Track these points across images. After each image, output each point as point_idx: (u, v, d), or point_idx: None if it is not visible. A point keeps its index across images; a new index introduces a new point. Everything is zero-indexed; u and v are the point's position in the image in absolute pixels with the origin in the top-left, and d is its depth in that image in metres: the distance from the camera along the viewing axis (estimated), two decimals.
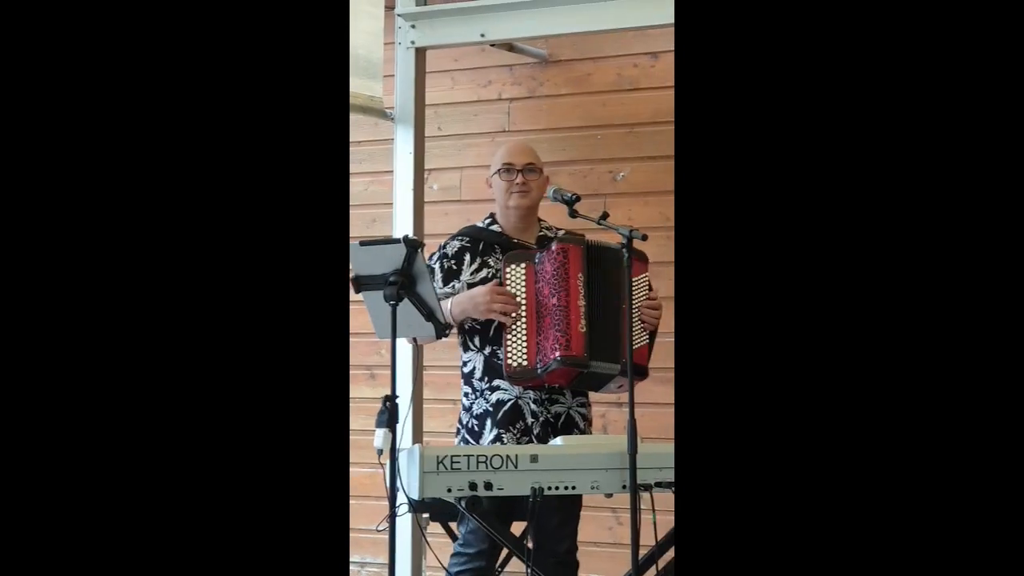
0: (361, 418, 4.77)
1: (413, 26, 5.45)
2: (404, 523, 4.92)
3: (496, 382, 4.28)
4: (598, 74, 5.75)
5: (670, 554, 4.03)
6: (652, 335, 4.36)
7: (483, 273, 4.33)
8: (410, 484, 3.79)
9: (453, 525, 4.24)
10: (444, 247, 4.40)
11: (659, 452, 3.94)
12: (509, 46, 5.73)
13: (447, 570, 4.25)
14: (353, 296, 3.61)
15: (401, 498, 3.78)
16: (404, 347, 4.96)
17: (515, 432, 4.25)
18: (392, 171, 5.50)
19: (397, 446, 3.75)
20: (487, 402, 4.29)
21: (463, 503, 3.80)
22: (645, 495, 3.86)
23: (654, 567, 3.97)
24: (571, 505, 4.31)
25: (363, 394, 5.83)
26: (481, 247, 4.37)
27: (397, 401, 3.78)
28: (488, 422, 4.28)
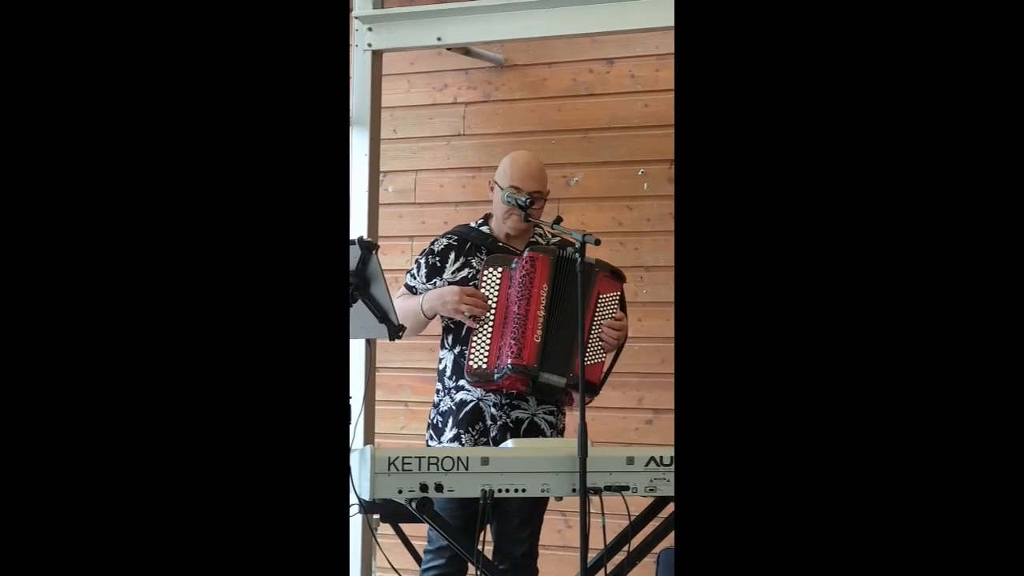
0: None
1: (370, 29, 5.46)
2: (355, 524, 4.93)
3: (461, 382, 4.32)
4: (553, 79, 5.78)
5: (619, 557, 4.05)
6: (617, 353, 4.39)
7: (464, 273, 4.36)
8: (361, 485, 3.80)
9: (403, 527, 4.25)
10: (432, 244, 4.44)
11: (609, 456, 3.96)
12: (465, 50, 5.75)
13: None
14: None
15: (352, 499, 3.78)
16: (356, 348, 4.97)
17: (473, 433, 4.29)
18: None
19: (349, 447, 3.76)
20: (452, 400, 4.34)
21: (413, 504, 3.82)
22: (595, 498, 3.88)
23: (603, 570, 3.99)
24: (531, 509, 4.33)
25: None
26: (467, 247, 4.40)
27: (349, 402, 3.78)
28: (450, 420, 4.32)
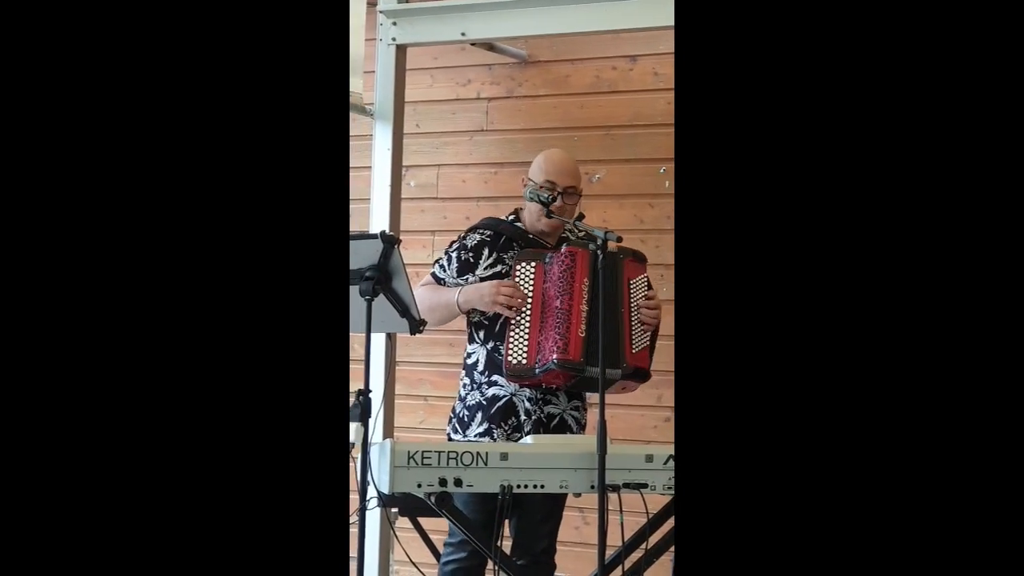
0: None
1: (394, 23, 5.46)
2: (373, 517, 4.94)
3: (495, 377, 4.31)
4: (576, 76, 5.78)
5: (636, 555, 4.05)
6: (654, 336, 4.40)
7: (497, 268, 4.35)
8: (380, 478, 3.81)
9: (422, 520, 4.26)
10: (464, 238, 4.42)
11: (628, 453, 3.97)
12: (489, 45, 5.76)
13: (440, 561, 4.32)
14: None
15: (371, 492, 3.79)
16: (377, 342, 4.98)
17: (506, 428, 4.29)
18: (370, 167, 5.52)
19: (369, 440, 3.77)
20: (482, 395, 4.32)
21: (432, 498, 3.82)
22: (613, 496, 3.88)
23: (620, 568, 3.99)
24: (553, 505, 4.34)
25: None
26: (501, 242, 4.39)
27: (370, 396, 3.79)
28: (479, 415, 4.31)
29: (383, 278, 3.90)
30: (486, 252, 4.37)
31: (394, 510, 4.21)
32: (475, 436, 4.30)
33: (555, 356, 4.15)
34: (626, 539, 3.91)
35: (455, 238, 4.45)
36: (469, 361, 4.39)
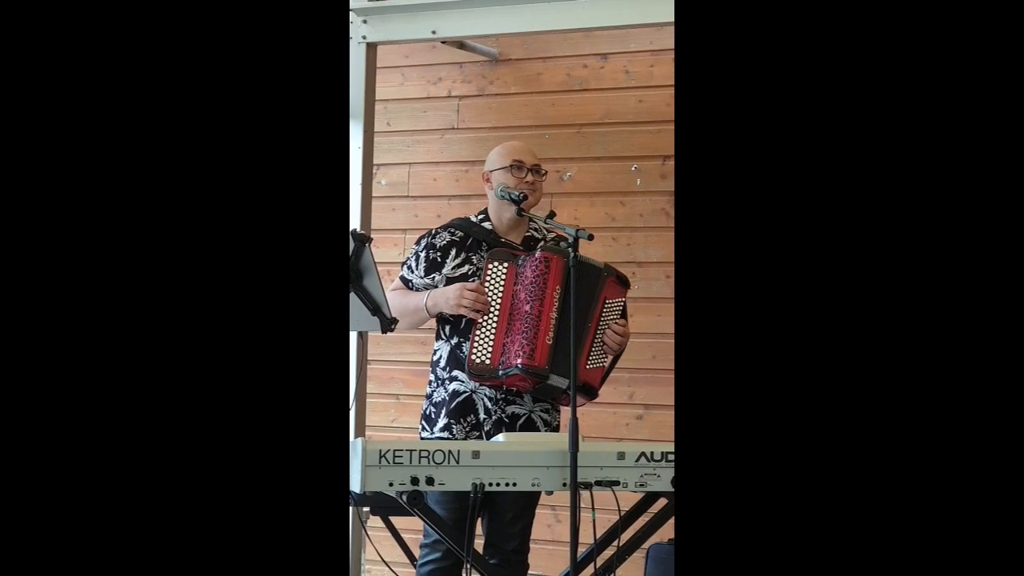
0: None
1: (365, 21, 5.45)
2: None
3: (455, 373, 4.32)
4: (548, 74, 5.78)
5: (608, 552, 4.06)
6: (614, 360, 4.40)
7: (464, 269, 4.35)
8: (352, 477, 3.80)
9: (394, 519, 4.26)
10: (433, 236, 4.41)
11: (600, 451, 3.96)
12: (460, 44, 5.75)
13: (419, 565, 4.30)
14: None
15: None
16: (348, 341, 4.97)
17: (464, 425, 4.29)
18: None
19: (349, 439, 3.76)
20: (445, 391, 4.34)
21: (404, 497, 3.82)
22: (585, 493, 3.89)
23: (592, 565, 4.00)
24: (525, 504, 4.34)
25: None
26: (469, 243, 4.39)
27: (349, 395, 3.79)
28: (443, 411, 4.32)
29: (354, 277, 3.90)
30: (453, 252, 4.37)
31: (366, 509, 4.20)
32: (439, 432, 4.30)
33: (520, 361, 4.17)
34: (598, 536, 3.91)
35: (423, 235, 4.44)
36: (434, 358, 4.40)
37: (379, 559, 4.37)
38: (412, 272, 4.39)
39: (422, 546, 4.31)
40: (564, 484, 3.89)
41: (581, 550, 3.91)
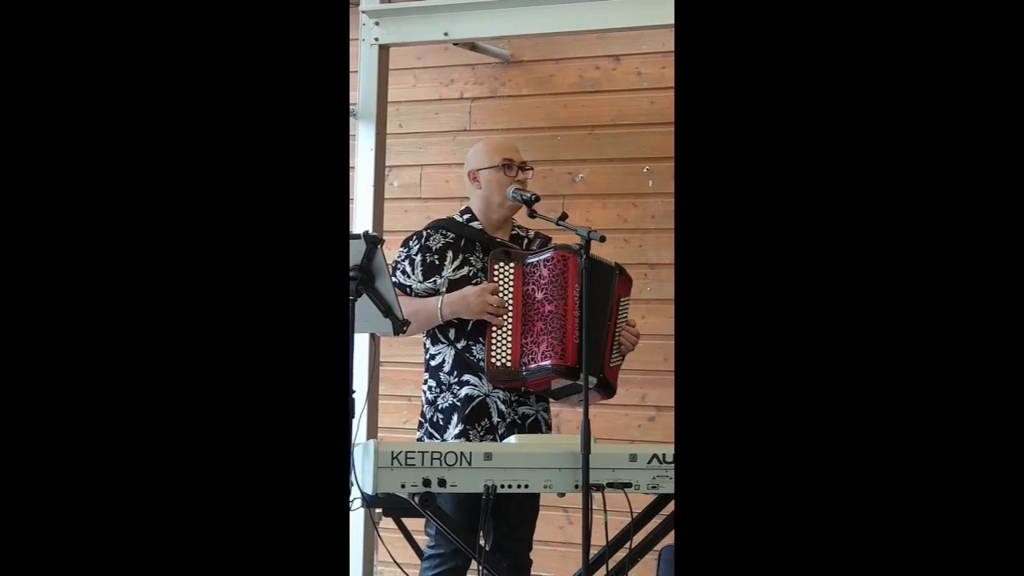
0: None
1: (377, 23, 5.46)
2: (357, 517, 4.94)
3: (466, 377, 4.28)
4: (560, 75, 5.78)
5: (620, 554, 4.05)
6: (622, 358, 4.41)
7: (464, 271, 4.31)
8: (364, 479, 3.81)
9: (406, 520, 4.25)
10: (425, 239, 4.34)
11: (612, 453, 3.97)
12: (472, 45, 5.76)
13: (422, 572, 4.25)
14: None
15: (355, 492, 3.79)
16: (361, 342, 4.98)
17: (479, 429, 4.26)
18: (352, 167, 5.52)
19: (352, 441, 3.76)
20: (455, 396, 4.29)
21: (416, 499, 3.82)
22: (597, 495, 3.88)
23: (604, 567, 3.99)
24: (530, 506, 4.34)
25: None
26: (463, 243, 4.35)
27: (354, 396, 3.79)
28: (455, 416, 4.27)
29: (366, 278, 3.89)
30: (450, 254, 4.32)
31: (378, 510, 4.20)
32: (452, 438, 4.27)
33: (550, 361, 4.14)
34: (610, 538, 3.91)
35: (410, 238, 4.36)
36: (433, 362, 4.33)
37: (391, 560, 4.37)
38: (409, 277, 4.31)
39: (430, 556, 4.27)
40: (576, 486, 3.89)
41: (593, 552, 3.91)
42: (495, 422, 4.28)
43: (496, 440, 4.23)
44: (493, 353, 4.21)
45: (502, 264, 4.26)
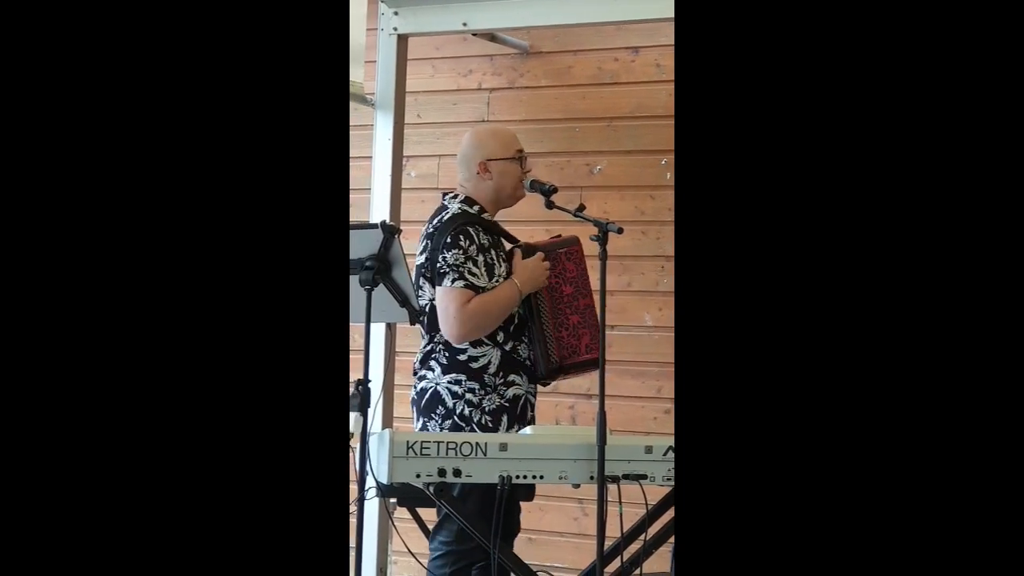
0: None
1: (396, 13, 5.46)
2: (372, 507, 4.94)
3: (512, 377, 4.27)
4: (578, 67, 5.77)
5: (635, 546, 4.05)
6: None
7: (504, 267, 4.29)
8: (379, 468, 3.81)
9: (420, 511, 4.26)
10: (471, 240, 4.22)
11: (627, 444, 3.97)
12: (491, 36, 5.75)
13: (431, 571, 4.21)
14: None
15: (370, 482, 3.79)
16: (377, 332, 4.98)
17: (522, 426, 4.26)
18: (370, 157, 5.52)
19: (368, 430, 3.77)
20: (502, 397, 4.25)
21: (431, 489, 3.82)
22: (612, 487, 3.89)
23: (619, 558, 3.99)
24: (524, 493, 4.31)
25: None
26: (494, 238, 4.34)
27: (369, 386, 3.79)
28: (504, 418, 4.24)
29: (383, 268, 3.89)
30: (494, 253, 4.28)
31: (393, 500, 4.20)
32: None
33: (592, 355, 4.26)
34: (625, 530, 3.91)
35: (454, 237, 4.24)
36: (475, 364, 4.25)
37: (405, 550, 4.38)
38: (479, 278, 4.21)
39: (447, 552, 4.20)
40: (591, 477, 3.89)
41: (608, 544, 3.91)
42: (530, 416, 4.31)
43: None
44: (552, 350, 4.27)
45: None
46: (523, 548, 4.68)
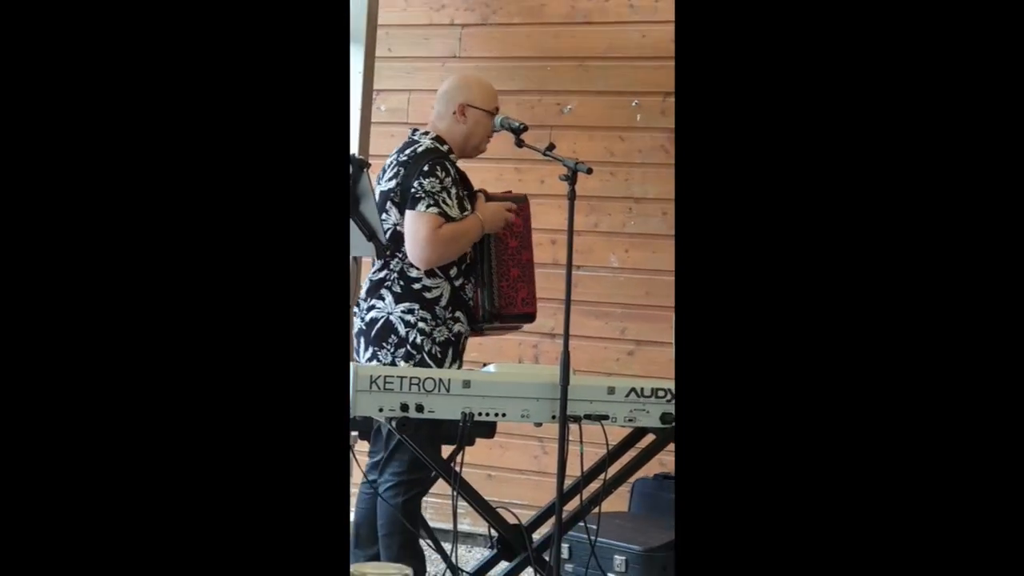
0: None
1: None
2: None
3: (457, 313, 4.33)
4: (551, 5, 5.74)
5: (594, 485, 4.08)
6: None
7: (470, 206, 4.39)
8: None
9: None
10: (447, 171, 4.28)
11: (590, 385, 3.98)
12: None
13: (385, 500, 4.26)
14: None
15: None
16: None
17: (458, 364, 4.35)
18: None
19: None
20: (449, 331, 4.32)
21: (393, 423, 3.84)
22: (573, 427, 3.91)
23: (578, 497, 4.02)
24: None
25: None
26: (462, 178, 4.41)
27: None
28: (450, 351, 4.31)
29: (352, 202, 3.89)
30: (463, 189, 4.36)
31: (354, 433, 4.22)
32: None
33: (530, 309, 4.39)
34: (585, 470, 3.94)
35: (432, 165, 4.27)
36: (428, 295, 4.29)
37: (367, 483, 4.39)
38: (451, 209, 4.26)
39: (398, 483, 4.28)
40: (553, 417, 3.91)
41: (567, 482, 3.94)
42: (464, 357, 4.41)
43: None
44: (484, 296, 4.35)
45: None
46: (483, 484, 4.72)
